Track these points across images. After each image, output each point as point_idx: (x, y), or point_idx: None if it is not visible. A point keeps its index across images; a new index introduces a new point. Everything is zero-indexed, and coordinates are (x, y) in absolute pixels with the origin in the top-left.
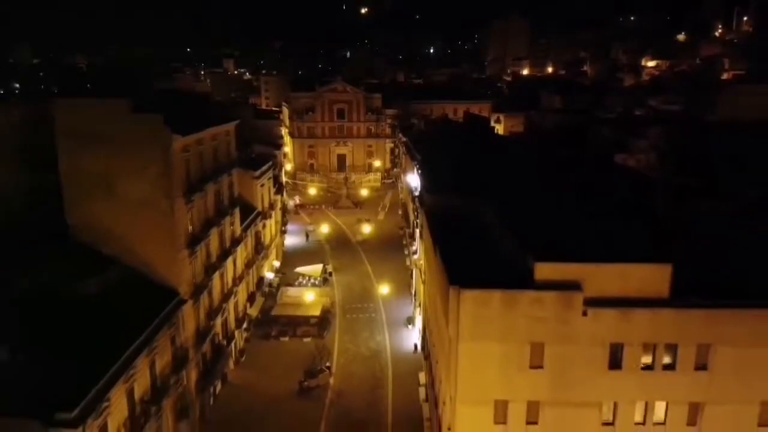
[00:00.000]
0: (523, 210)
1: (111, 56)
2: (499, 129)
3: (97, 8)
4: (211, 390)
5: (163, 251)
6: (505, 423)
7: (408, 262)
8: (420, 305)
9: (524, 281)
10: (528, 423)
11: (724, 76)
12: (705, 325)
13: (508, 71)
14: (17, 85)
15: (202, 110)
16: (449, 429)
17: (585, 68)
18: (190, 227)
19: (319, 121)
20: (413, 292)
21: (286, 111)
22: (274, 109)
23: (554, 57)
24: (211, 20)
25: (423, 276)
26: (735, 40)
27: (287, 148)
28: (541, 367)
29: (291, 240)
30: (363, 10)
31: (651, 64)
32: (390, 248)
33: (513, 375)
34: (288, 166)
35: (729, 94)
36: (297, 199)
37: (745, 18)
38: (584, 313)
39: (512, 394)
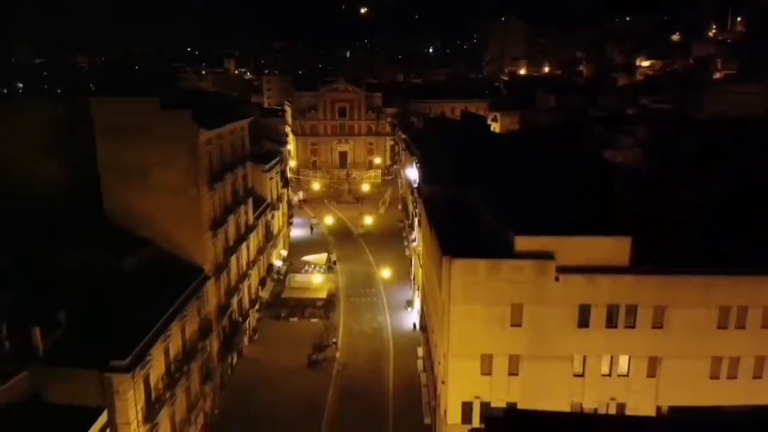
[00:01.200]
0: (508, 195)
1: (111, 56)
2: (496, 127)
3: (97, 8)
4: (229, 360)
5: (190, 233)
6: (490, 374)
7: (407, 252)
8: (418, 288)
9: (506, 252)
10: (510, 374)
11: (716, 75)
12: (660, 289)
13: (506, 71)
14: (21, 85)
15: (220, 107)
16: (443, 383)
17: (581, 68)
18: (213, 212)
19: (321, 119)
20: (412, 278)
21: (289, 110)
22: (277, 107)
23: (551, 57)
24: (211, 20)
25: (421, 261)
26: (728, 41)
27: (291, 146)
28: (520, 325)
29: (296, 232)
30: (363, 10)
31: (645, 64)
32: (390, 240)
33: (497, 332)
34: (292, 163)
35: (714, 93)
36: (301, 194)
37: (738, 18)
38: (556, 279)
39: (496, 348)
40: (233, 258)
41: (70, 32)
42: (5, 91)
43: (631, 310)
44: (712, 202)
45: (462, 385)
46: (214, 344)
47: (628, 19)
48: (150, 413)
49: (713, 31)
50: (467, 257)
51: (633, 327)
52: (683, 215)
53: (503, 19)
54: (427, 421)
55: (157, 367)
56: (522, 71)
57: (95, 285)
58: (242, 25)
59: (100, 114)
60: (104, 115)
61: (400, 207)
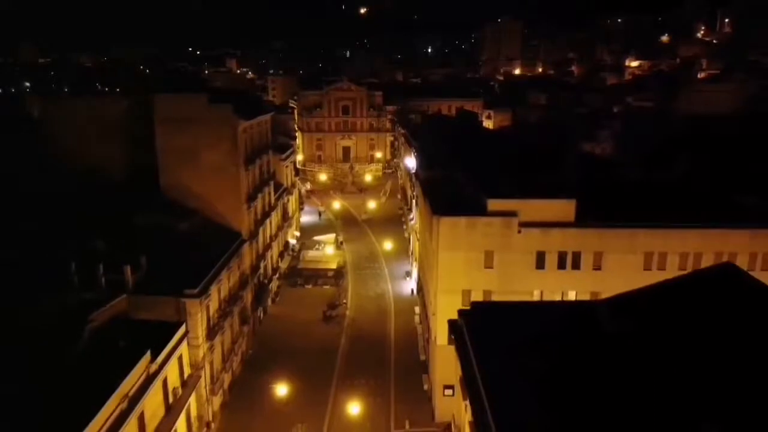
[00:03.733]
0: (487, 173)
1: (113, 56)
2: (489, 124)
3: (96, 8)
4: (258, 314)
5: (230, 204)
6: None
7: (406, 234)
8: (416, 260)
9: (481, 212)
10: None
11: (701, 75)
12: (598, 239)
13: (501, 71)
14: (28, 84)
15: (247, 103)
16: (434, 314)
17: (572, 68)
18: (247, 189)
19: (326, 116)
20: (410, 252)
21: (295, 107)
22: (282, 106)
23: (544, 57)
24: (211, 20)
25: (418, 236)
26: (714, 41)
27: (297, 141)
28: (491, 267)
29: (306, 218)
30: (363, 10)
31: (634, 64)
32: (391, 225)
33: (474, 273)
34: (299, 157)
35: (689, 92)
36: (308, 185)
37: (726, 20)
38: (519, 231)
39: (473, 285)
40: (261, 229)
41: (70, 32)
42: (13, 90)
43: (577, 256)
44: (659, 181)
45: (447, 315)
46: (248, 296)
47: (619, 20)
48: (210, 334)
49: (702, 31)
50: (452, 216)
51: (578, 268)
52: (628, 189)
53: (499, 20)
54: (422, 357)
55: (214, 301)
56: (516, 71)
57: (160, 241)
58: (242, 25)
59: (160, 107)
60: (163, 108)
61: (399, 197)
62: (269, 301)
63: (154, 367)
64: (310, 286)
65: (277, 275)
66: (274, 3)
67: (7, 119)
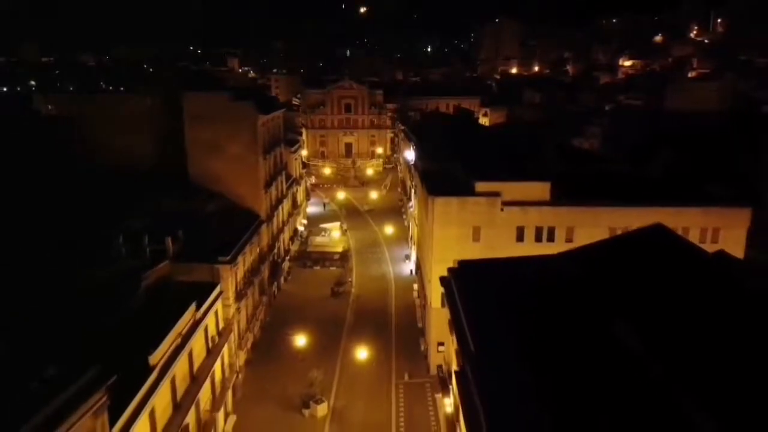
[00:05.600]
0: (477, 161)
1: (114, 55)
2: (485, 121)
3: (97, 7)
4: (273, 289)
5: (250, 189)
6: None
7: (405, 223)
8: (414, 245)
9: (470, 192)
10: None
11: (691, 74)
12: (569, 216)
13: (499, 70)
14: (33, 83)
15: (264, 100)
16: (429, 281)
17: (567, 68)
18: (265, 176)
19: (328, 114)
20: (409, 237)
21: (299, 105)
22: (289, 103)
23: (541, 57)
24: (211, 20)
25: (416, 221)
26: (706, 41)
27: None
28: (478, 240)
29: (311, 209)
30: (362, 10)
31: (627, 63)
32: (391, 215)
33: (464, 245)
34: (303, 153)
35: (676, 90)
36: (313, 179)
37: (719, 20)
38: (502, 209)
39: (463, 256)
40: (275, 213)
41: (71, 32)
42: (18, 89)
43: (551, 230)
44: (639, 173)
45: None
46: (266, 271)
47: (614, 21)
48: (238, 297)
49: (695, 31)
50: (445, 196)
51: (552, 241)
52: (608, 178)
53: (497, 20)
54: (420, 325)
55: (240, 269)
56: (513, 70)
57: (192, 220)
58: (242, 25)
59: (189, 104)
60: (192, 105)
61: (399, 189)
62: (282, 280)
63: (199, 314)
64: (318, 268)
65: (288, 257)
66: (274, 3)
67: (18, 117)
